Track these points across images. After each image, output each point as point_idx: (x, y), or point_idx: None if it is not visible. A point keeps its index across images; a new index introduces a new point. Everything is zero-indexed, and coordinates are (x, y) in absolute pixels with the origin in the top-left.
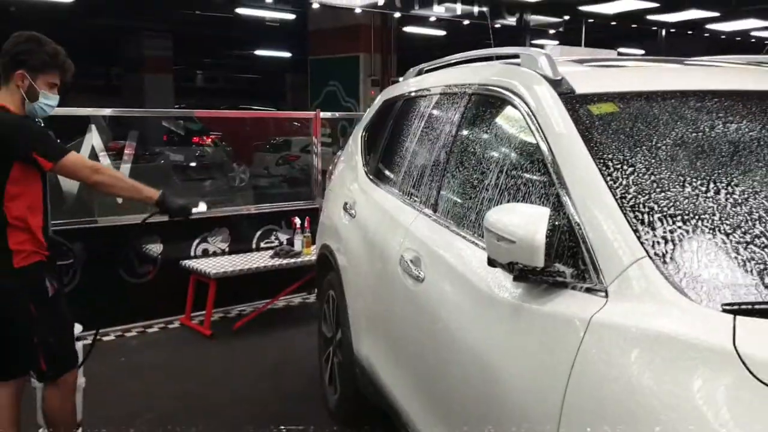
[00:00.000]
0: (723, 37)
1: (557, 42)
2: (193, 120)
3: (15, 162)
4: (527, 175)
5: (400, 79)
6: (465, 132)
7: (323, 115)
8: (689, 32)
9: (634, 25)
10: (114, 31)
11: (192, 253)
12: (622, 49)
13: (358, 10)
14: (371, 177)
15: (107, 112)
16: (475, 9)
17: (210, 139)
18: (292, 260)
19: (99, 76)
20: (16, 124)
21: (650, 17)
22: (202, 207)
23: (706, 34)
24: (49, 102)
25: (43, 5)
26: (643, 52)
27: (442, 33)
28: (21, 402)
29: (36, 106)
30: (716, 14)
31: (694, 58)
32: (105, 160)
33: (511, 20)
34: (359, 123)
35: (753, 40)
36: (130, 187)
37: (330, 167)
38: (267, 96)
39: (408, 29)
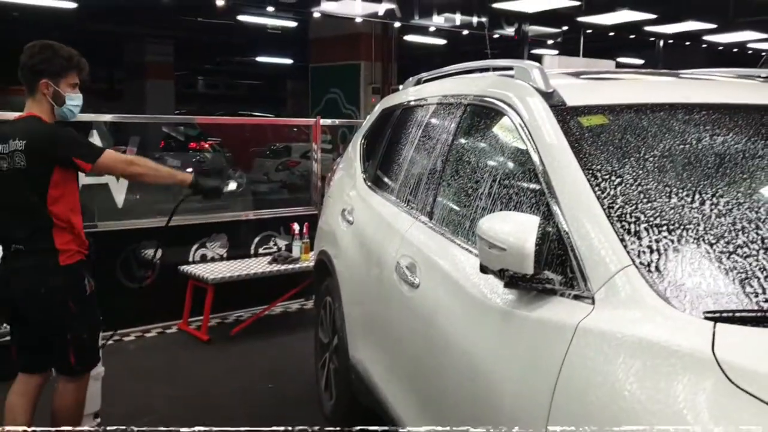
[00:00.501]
0: (720, 48)
1: (556, 52)
2: (192, 126)
3: (56, 167)
4: (519, 185)
5: (401, 87)
6: (460, 141)
7: (323, 121)
8: (687, 43)
9: (632, 36)
10: (116, 36)
11: (190, 259)
12: (620, 59)
13: (358, 20)
14: (369, 184)
15: (108, 117)
16: (474, 19)
17: (208, 145)
18: (290, 266)
19: (100, 82)
20: (52, 132)
21: (648, 28)
22: (232, 186)
23: (703, 46)
24: (75, 102)
25: (45, 11)
26: (642, 62)
27: (442, 42)
28: (40, 396)
29: (65, 110)
30: (713, 26)
31: (690, 71)
32: None
33: (510, 30)
34: (358, 130)
35: (750, 52)
36: (165, 174)
37: (329, 174)
38: (268, 102)
39: (409, 38)
